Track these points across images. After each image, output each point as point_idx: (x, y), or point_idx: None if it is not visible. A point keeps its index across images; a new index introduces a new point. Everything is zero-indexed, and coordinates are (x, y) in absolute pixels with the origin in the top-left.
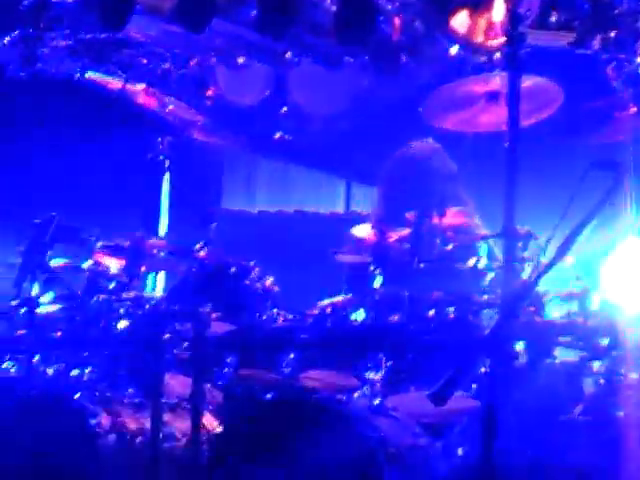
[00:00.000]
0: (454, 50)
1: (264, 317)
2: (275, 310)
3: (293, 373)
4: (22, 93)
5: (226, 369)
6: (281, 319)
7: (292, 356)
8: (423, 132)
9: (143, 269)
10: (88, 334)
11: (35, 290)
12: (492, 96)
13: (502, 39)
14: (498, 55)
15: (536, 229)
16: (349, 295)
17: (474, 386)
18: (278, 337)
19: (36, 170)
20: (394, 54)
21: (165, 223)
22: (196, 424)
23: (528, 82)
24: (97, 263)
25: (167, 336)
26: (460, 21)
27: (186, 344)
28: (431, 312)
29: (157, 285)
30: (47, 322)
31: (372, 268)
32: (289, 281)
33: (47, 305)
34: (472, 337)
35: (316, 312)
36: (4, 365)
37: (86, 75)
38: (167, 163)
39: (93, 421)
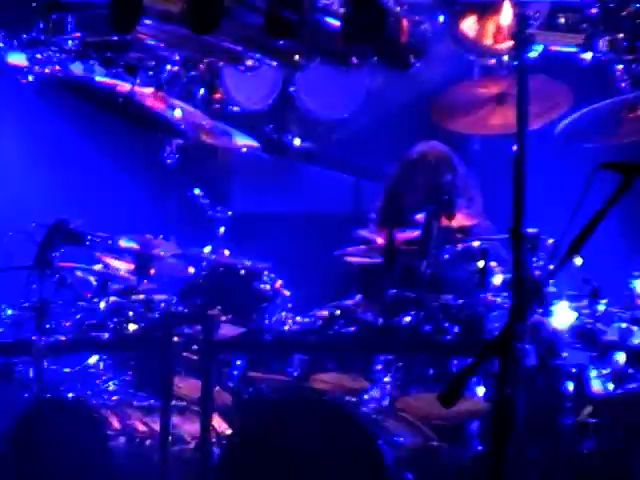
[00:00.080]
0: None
1: (273, 319)
2: (284, 313)
3: (302, 375)
4: (31, 94)
5: (235, 371)
6: (290, 321)
7: (301, 358)
8: (432, 133)
9: (152, 272)
10: (98, 337)
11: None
12: (501, 98)
13: (510, 42)
14: (507, 58)
15: (545, 231)
16: (358, 297)
17: (484, 388)
18: (287, 339)
19: (43, 172)
20: (403, 53)
21: (174, 226)
22: (205, 427)
23: (536, 84)
24: (106, 266)
25: (176, 339)
26: (469, 25)
27: (195, 347)
28: (440, 313)
29: None
30: (57, 325)
31: (381, 269)
32: (298, 282)
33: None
34: (482, 338)
35: (325, 314)
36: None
37: (95, 77)
38: (176, 166)
39: (103, 424)
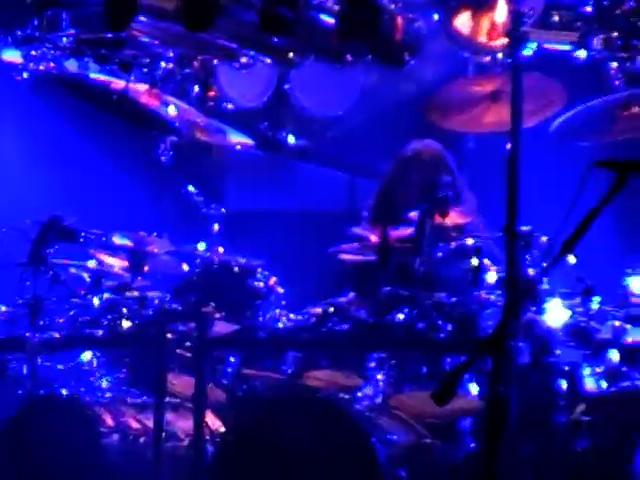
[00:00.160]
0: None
1: (267, 317)
2: (278, 310)
3: (296, 373)
4: (27, 92)
5: (229, 369)
6: (284, 318)
7: (295, 356)
8: (427, 131)
9: (146, 269)
10: (91, 334)
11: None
12: (495, 96)
13: (505, 40)
14: (501, 55)
15: (538, 229)
16: (352, 294)
17: (477, 386)
18: (281, 337)
19: (39, 170)
20: (397, 51)
21: (168, 223)
22: (199, 424)
23: (531, 82)
24: (100, 263)
25: (170, 336)
26: (463, 22)
27: (189, 344)
28: (433, 311)
29: None
30: (51, 321)
31: (375, 267)
32: (292, 280)
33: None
34: (475, 336)
35: (319, 311)
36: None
37: (89, 74)
38: (170, 163)
39: (96, 421)
